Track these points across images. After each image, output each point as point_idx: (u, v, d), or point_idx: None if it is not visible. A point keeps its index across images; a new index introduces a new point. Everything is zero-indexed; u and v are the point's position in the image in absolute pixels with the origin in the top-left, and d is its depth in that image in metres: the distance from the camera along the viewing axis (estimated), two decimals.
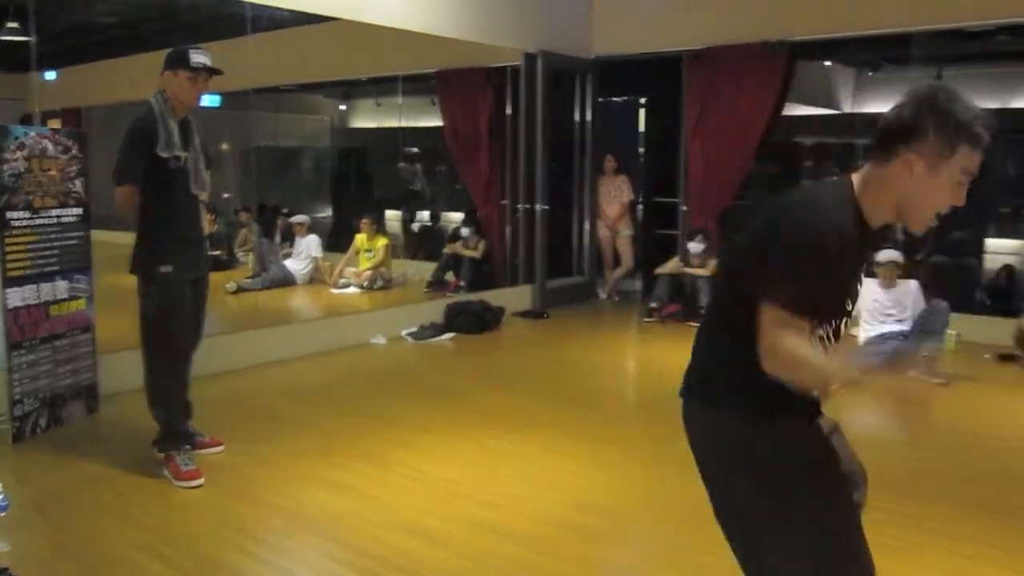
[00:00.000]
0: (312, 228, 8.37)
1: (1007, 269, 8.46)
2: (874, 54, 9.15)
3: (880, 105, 9.79)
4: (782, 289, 1.71)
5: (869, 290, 5.77)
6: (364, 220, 8.33)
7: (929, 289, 5.97)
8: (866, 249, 1.90)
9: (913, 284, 5.81)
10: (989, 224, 9.02)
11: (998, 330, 6.34)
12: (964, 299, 7.36)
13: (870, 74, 9.88)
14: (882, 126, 1.80)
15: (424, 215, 10.24)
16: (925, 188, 1.77)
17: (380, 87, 9.42)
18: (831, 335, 1.85)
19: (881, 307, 5.74)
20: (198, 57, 3.65)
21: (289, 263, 8.13)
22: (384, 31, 6.54)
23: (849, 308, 1.88)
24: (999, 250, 8.76)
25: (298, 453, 4.02)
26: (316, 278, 8.21)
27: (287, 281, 8.02)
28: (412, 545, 3.09)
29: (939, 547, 3.10)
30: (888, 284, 5.74)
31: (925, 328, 5.49)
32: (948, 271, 8.36)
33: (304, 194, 9.99)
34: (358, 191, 10.25)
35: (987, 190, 9.03)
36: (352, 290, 8.01)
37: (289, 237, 8.36)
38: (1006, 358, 6.17)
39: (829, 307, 1.82)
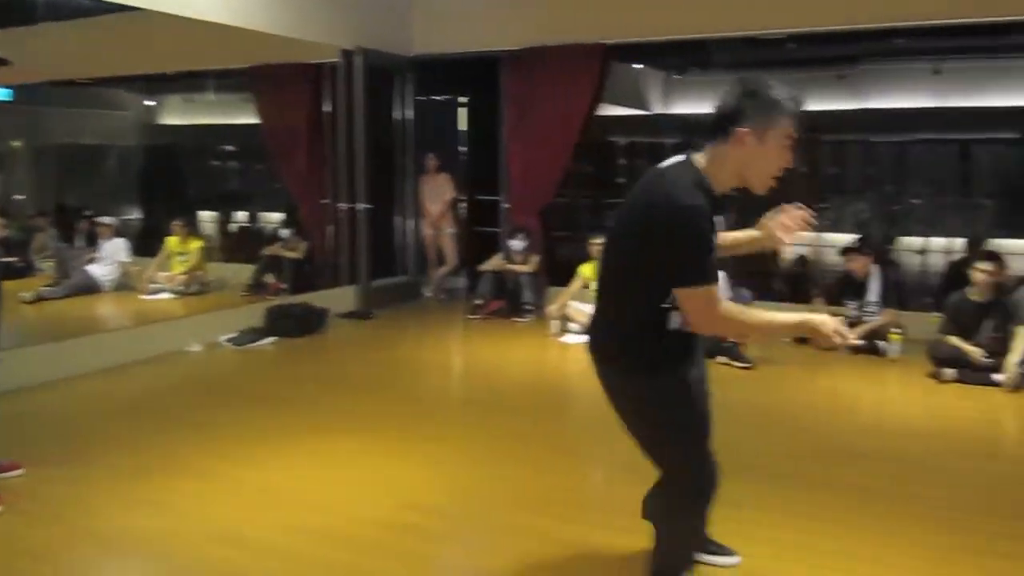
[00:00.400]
0: (120, 231, 7.88)
1: (802, 259, 9.16)
2: (680, 59, 9.66)
3: (686, 107, 10.37)
4: (688, 272, 2.13)
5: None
6: (176, 222, 7.94)
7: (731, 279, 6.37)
8: (716, 215, 2.22)
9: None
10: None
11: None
12: (763, 288, 7.89)
13: (677, 77, 10.42)
14: (716, 113, 2.22)
15: (242, 215, 9.88)
16: (758, 156, 2.20)
17: (192, 82, 9.01)
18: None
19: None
20: None
21: (93, 268, 7.62)
22: (193, 23, 6.25)
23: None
24: (794, 241, 9.45)
25: (111, 472, 3.78)
26: (125, 284, 7.73)
27: (92, 288, 7.50)
28: (237, 557, 2.99)
29: (743, 519, 3.33)
30: None
31: None
32: (748, 261, 8.93)
33: (110, 195, 9.39)
34: (169, 191, 9.75)
35: (784, 186, 9.77)
36: (165, 296, 7.62)
37: (93, 241, 7.83)
38: (801, 341, 6.69)
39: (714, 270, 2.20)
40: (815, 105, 9.55)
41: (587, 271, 7.11)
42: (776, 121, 2.17)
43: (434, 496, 3.61)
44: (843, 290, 6.56)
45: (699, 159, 2.24)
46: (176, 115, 9.90)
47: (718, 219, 2.20)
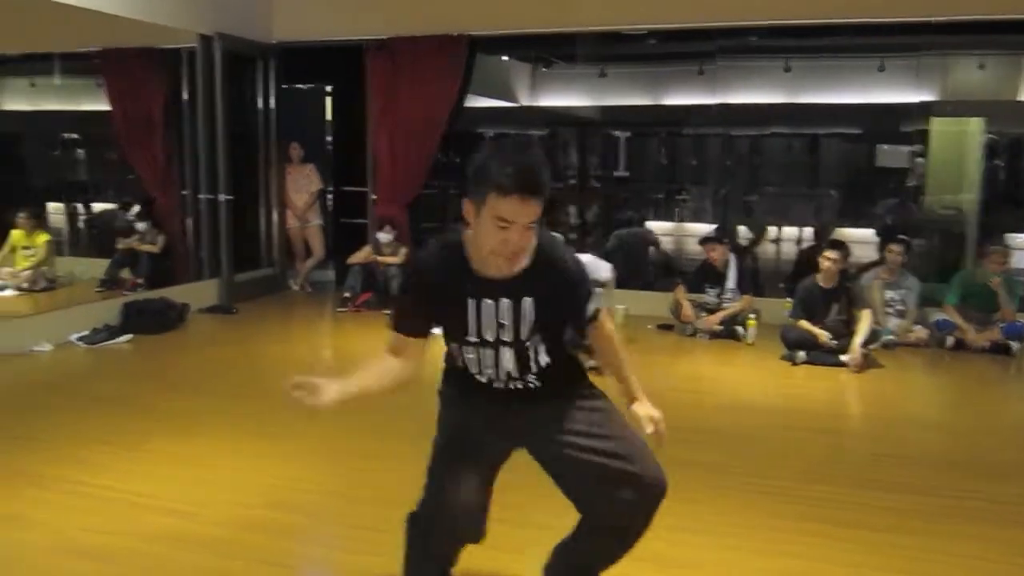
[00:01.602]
0: None
1: (660, 249, 9.45)
2: (547, 51, 9.78)
3: (552, 99, 10.52)
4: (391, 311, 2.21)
5: None
6: (21, 214, 7.45)
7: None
8: (477, 283, 2.11)
9: (585, 257, 6.27)
10: (648, 208, 10.02)
11: (658, 303, 7.10)
12: (629, 276, 8.11)
13: (543, 70, 10.55)
14: None
15: (95, 208, 9.38)
16: (476, 232, 2.02)
17: (34, 65, 8.47)
18: (483, 358, 2.19)
19: None
20: None
21: None
22: (37, 2, 5.87)
23: (470, 330, 2.16)
24: (657, 232, 9.76)
25: None
26: None
27: None
28: (86, 568, 2.85)
29: None
30: None
31: None
32: (616, 252, 9.15)
33: None
34: (11, 182, 9.15)
35: (644, 178, 10.04)
36: (9, 292, 7.15)
37: None
38: (666, 328, 6.93)
39: (443, 322, 2.21)
40: (677, 99, 9.92)
41: None
42: (487, 197, 1.94)
43: (298, 494, 3.54)
44: (703, 278, 6.82)
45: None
46: (19, 100, 9.29)
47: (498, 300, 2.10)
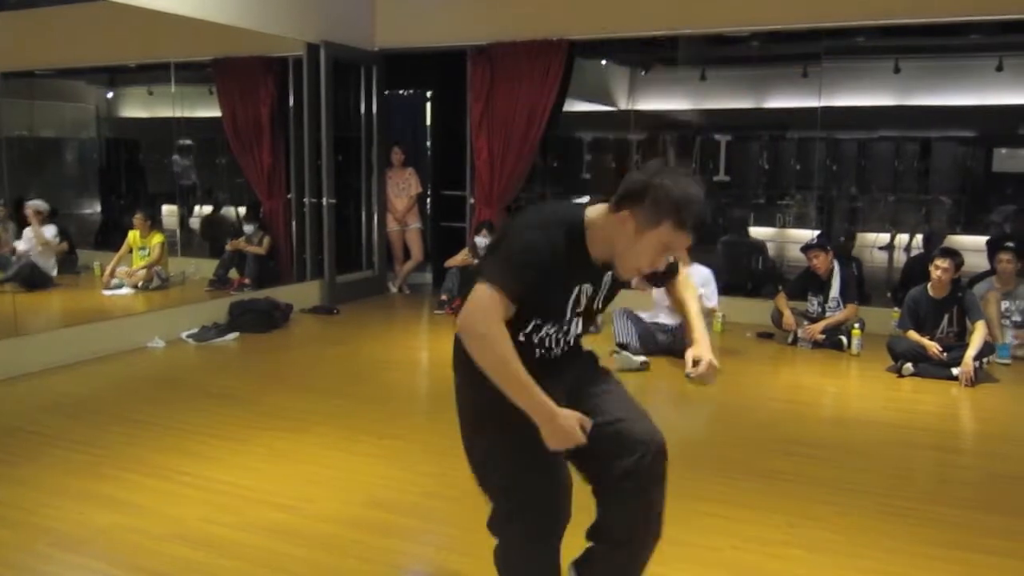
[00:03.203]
0: (76, 223, 7.68)
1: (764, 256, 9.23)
2: (646, 55, 9.69)
3: (652, 103, 10.41)
4: (495, 270, 2.01)
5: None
6: (137, 216, 7.81)
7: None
8: (587, 269, 2.16)
9: (704, 272, 6.21)
10: (749, 214, 9.81)
11: (759, 311, 6.95)
12: (729, 283, 7.95)
13: (643, 74, 10.45)
14: (624, 184, 2.07)
15: (206, 210, 9.74)
16: (630, 245, 2.07)
17: (152, 74, 8.86)
18: (555, 335, 2.21)
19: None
20: None
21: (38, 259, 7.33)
22: (155, 14, 6.15)
23: (566, 316, 2.19)
24: (758, 237, 9.55)
25: (64, 470, 3.73)
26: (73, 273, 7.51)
27: (30, 278, 7.23)
28: (198, 556, 2.95)
29: (705, 512, 3.35)
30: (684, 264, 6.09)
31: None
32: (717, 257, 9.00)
33: (68, 189, 9.22)
34: (130, 185, 9.59)
35: (745, 183, 9.83)
36: (125, 291, 7.50)
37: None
38: (765, 336, 6.77)
39: (543, 304, 2.13)
40: (779, 102, 9.69)
41: None
42: (662, 223, 2.02)
43: (398, 493, 3.59)
44: (805, 285, 6.63)
45: (592, 211, 2.14)
46: (137, 108, 9.74)
47: (564, 268, 2.09)
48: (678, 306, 2.52)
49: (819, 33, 7.41)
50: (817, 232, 8.18)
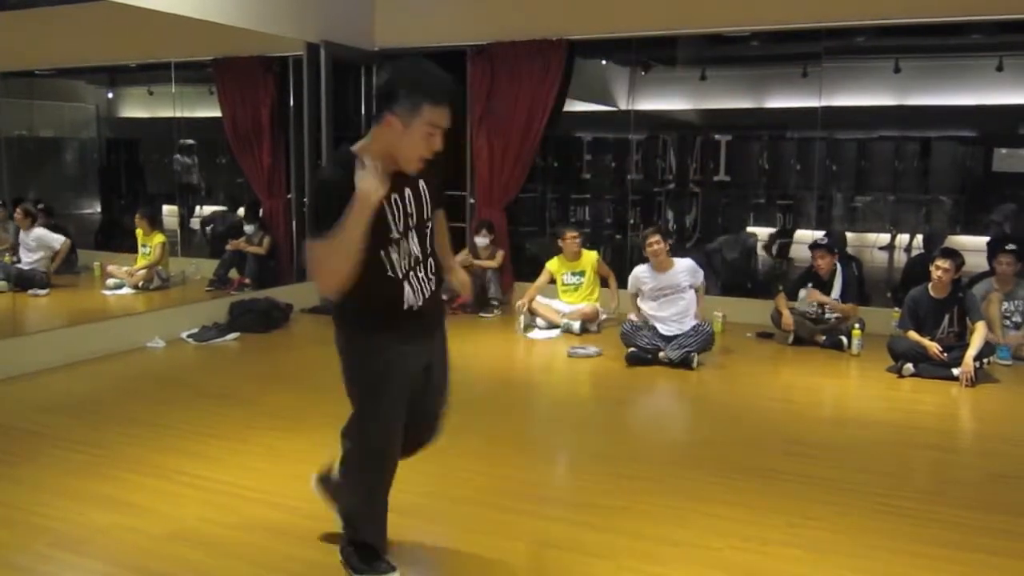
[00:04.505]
0: (76, 223, 7.67)
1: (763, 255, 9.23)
2: (645, 55, 9.69)
3: (652, 102, 10.41)
4: (311, 228, 2.32)
5: (645, 275, 6.11)
6: (138, 215, 7.81)
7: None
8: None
9: (686, 262, 6.17)
10: (748, 213, 9.81)
11: (758, 311, 6.95)
12: (728, 283, 7.96)
13: (642, 74, 10.44)
14: (376, 94, 2.37)
15: (206, 210, 9.74)
16: (404, 140, 2.34)
17: (152, 74, 8.86)
18: (400, 252, 2.49)
19: (656, 289, 6.07)
20: None
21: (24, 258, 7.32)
22: (155, 15, 6.15)
23: (391, 227, 2.46)
24: (757, 237, 9.54)
25: (63, 470, 3.72)
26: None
27: (23, 280, 7.22)
28: (197, 556, 2.95)
29: (704, 512, 3.35)
30: (660, 266, 6.07)
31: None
32: (713, 255, 8.99)
33: (67, 189, 9.22)
34: (130, 185, 9.60)
35: (745, 182, 9.83)
36: (125, 291, 7.51)
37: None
38: (764, 336, 6.77)
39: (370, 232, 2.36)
40: (779, 102, 9.69)
41: (554, 266, 7.11)
42: (422, 106, 2.30)
43: (398, 493, 3.58)
44: (806, 285, 6.62)
45: (358, 144, 2.43)
46: (137, 108, 9.74)
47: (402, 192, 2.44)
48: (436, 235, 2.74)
49: (819, 33, 7.41)
50: (823, 232, 8.18)
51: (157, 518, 3.26)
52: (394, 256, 2.47)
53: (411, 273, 2.52)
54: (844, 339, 6.30)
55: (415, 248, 2.52)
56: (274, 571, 2.88)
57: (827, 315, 6.49)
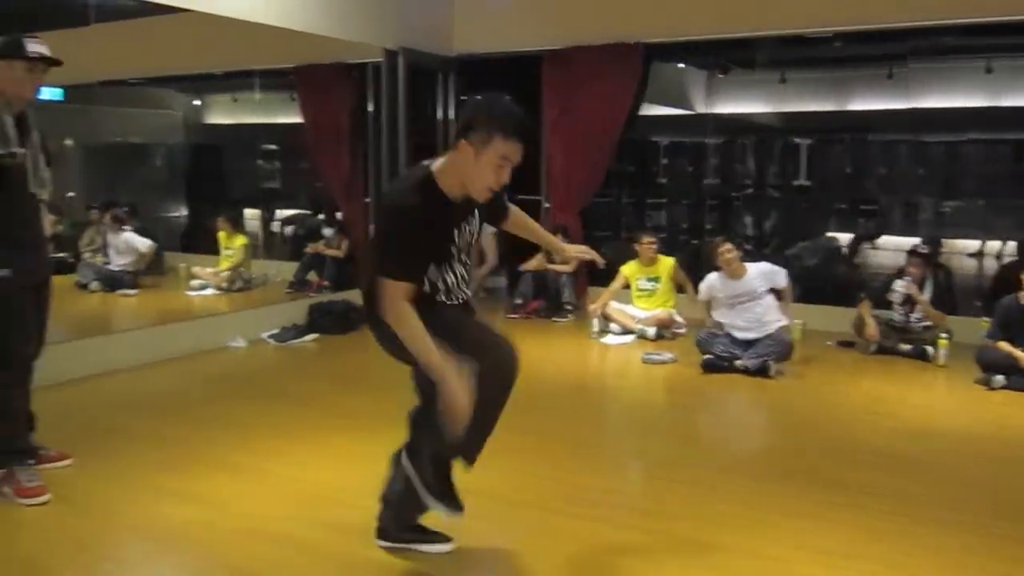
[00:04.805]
0: (163, 226, 7.95)
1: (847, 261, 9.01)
2: (723, 58, 9.56)
3: (729, 106, 10.26)
4: (386, 263, 2.46)
5: (718, 283, 6.02)
6: (222, 218, 8.04)
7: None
8: (454, 210, 2.56)
9: (760, 266, 6.05)
10: (830, 218, 9.58)
11: (839, 319, 6.78)
12: (809, 290, 7.78)
13: (720, 77, 10.30)
14: (457, 125, 2.52)
15: (286, 213, 9.98)
16: (474, 168, 2.46)
17: (236, 82, 9.12)
18: (455, 275, 2.66)
19: (731, 296, 5.97)
20: (34, 46, 3.42)
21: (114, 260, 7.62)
22: (239, 24, 6.33)
23: (454, 254, 2.63)
24: (839, 243, 9.31)
25: (149, 466, 3.84)
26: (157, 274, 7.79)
27: (111, 281, 7.52)
28: (278, 553, 3.02)
29: (782, 525, 3.28)
30: (733, 274, 5.97)
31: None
32: (795, 261, 8.81)
33: (155, 193, 9.55)
34: (214, 189, 9.89)
35: (826, 187, 9.61)
36: (209, 292, 7.73)
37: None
38: (845, 344, 6.60)
39: (429, 259, 2.54)
40: (863, 105, 9.44)
41: (628, 271, 7.07)
42: (493, 138, 2.42)
43: (465, 496, 3.60)
44: (891, 293, 6.42)
45: (436, 164, 2.54)
46: (222, 114, 10.03)
47: (436, 221, 2.51)
48: (525, 232, 3.14)
49: (905, 33, 7.20)
50: (917, 239, 7.92)
51: (236, 514, 3.34)
52: (448, 277, 2.65)
53: (452, 291, 2.69)
54: (930, 348, 6.10)
55: (461, 269, 2.70)
56: (346, 568, 2.92)
57: (914, 322, 6.29)
